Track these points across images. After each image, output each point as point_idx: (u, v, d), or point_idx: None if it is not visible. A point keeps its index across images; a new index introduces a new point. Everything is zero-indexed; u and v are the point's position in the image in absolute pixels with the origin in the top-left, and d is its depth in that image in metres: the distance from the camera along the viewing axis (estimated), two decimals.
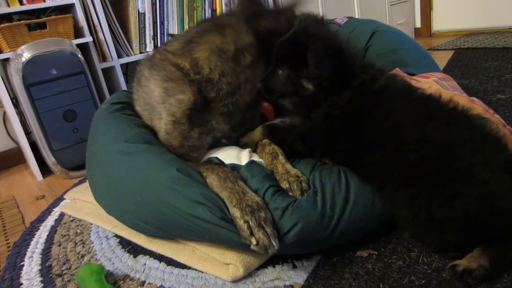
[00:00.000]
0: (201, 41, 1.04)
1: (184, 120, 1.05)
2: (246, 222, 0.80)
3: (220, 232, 0.85)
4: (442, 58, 2.87)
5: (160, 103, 1.07)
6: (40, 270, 1.05)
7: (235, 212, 0.83)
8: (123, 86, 2.16)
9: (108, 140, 1.09)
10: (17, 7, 1.82)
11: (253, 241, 0.79)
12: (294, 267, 0.89)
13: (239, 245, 0.85)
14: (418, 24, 4.06)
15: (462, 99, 1.09)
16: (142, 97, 1.15)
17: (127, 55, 2.21)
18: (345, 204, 0.86)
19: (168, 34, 2.31)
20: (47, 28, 1.85)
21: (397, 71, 1.25)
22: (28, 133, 1.96)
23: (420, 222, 0.79)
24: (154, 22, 2.28)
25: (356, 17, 3.44)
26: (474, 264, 0.74)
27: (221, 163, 1.00)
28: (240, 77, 1.03)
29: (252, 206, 0.83)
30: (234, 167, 0.98)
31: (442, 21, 3.93)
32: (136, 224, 1.02)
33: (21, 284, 1.00)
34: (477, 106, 1.07)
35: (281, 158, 1.01)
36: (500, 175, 0.74)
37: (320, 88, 0.92)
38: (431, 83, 1.19)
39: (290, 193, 0.90)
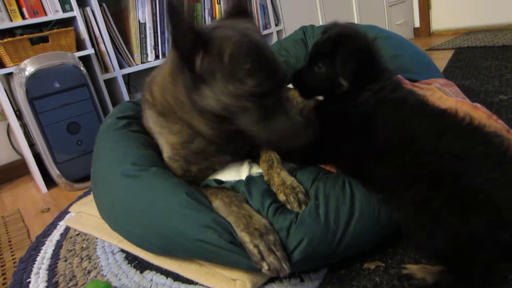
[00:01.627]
0: (154, 78, 1.04)
1: (178, 158, 1.06)
2: (256, 246, 0.80)
3: (229, 256, 0.84)
4: (442, 58, 2.87)
5: (159, 139, 1.10)
6: (47, 287, 1.05)
7: (244, 237, 0.83)
8: (126, 96, 2.17)
9: (114, 160, 1.10)
10: (19, 22, 1.83)
11: (265, 266, 0.79)
12: (302, 281, 0.89)
13: (249, 268, 0.85)
14: (417, 23, 4.06)
15: (465, 105, 1.09)
16: (150, 128, 1.17)
17: (129, 66, 2.22)
18: (350, 217, 0.86)
19: None
20: (49, 41, 1.86)
21: (399, 77, 1.25)
22: (32, 145, 1.97)
23: (420, 221, 0.77)
24: (155, 32, 2.29)
25: (355, 19, 3.44)
26: (420, 275, 0.79)
27: (223, 186, 0.99)
28: (179, 113, 0.96)
29: (261, 229, 0.82)
30: (234, 187, 0.98)
31: (441, 20, 3.93)
32: (142, 244, 1.03)
33: None
34: (480, 112, 1.07)
35: (276, 165, 1.00)
36: None
37: (353, 84, 0.95)
38: (433, 90, 1.19)
39: (288, 206, 0.89)
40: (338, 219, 0.85)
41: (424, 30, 4.02)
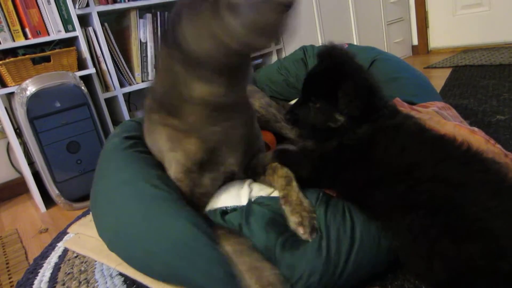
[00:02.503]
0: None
1: (195, 168, 1.04)
2: None
3: None
4: (440, 77, 2.90)
5: (169, 153, 1.07)
6: None
7: None
8: (126, 115, 2.19)
9: (123, 180, 1.08)
10: (22, 42, 1.86)
11: None
12: None
13: None
14: (415, 41, 4.13)
15: (463, 129, 1.10)
16: (154, 144, 1.16)
17: (130, 84, 2.24)
18: (351, 247, 0.85)
19: None
20: (51, 61, 1.88)
21: (397, 100, 1.27)
22: (31, 163, 1.97)
23: (418, 250, 0.77)
24: (156, 51, 2.32)
25: (354, 37, 3.49)
26: None
27: (234, 229, 0.96)
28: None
29: (275, 284, 0.80)
30: (240, 224, 0.96)
31: (438, 38, 4.00)
32: (143, 270, 1.02)
33: None
34: (478, 137, 1.07)
35: (295, 184, 0.98)
36: None
37: (351, 119, 0.93)
38: (431, 113, 1.20)
39: (300, 229, 0.87)
40: (340, 251, 0.84)
41: (422, 48, 4.08)
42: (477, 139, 1.07)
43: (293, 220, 0.89)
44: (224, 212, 1.02)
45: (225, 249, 0.90)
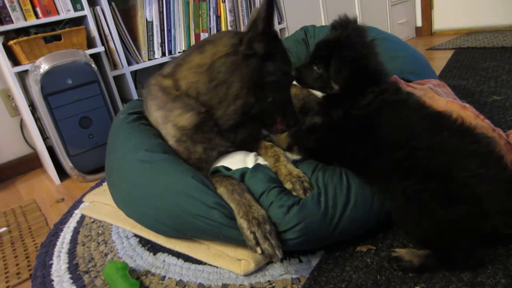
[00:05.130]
0: (184, 62, 1.13)
1: (185, 138, 1.14)
2: (253, 233, 0.88)
3: (231, 232, 0.94)
4: (442, 58, 2.93)
5: (163, 128, 1.19)
6: (68, 267, 1.15)
7: (242, 223, 0.91)
8: (133, 92, 2.26)
9: (129, 149, 1.18)
10: (33, 21, 1.91)
11: (259, 250, 0.87)
12: (300, 261, 0.98)
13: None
14: (419, 23, 4.11)
15: (454, 105, 1.17)
16: (152, 120, 1.26)
17: (137, 62, 2.30)
18: (346, 204, 0.95)
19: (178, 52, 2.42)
20: (62, 39, 1.95)
21: (395, 78, 1.33)
22: (45, 138, 2.06)
23: (411, 211, 0.86)
24: (162, 30, 2.38)
25: (358, 17, 3.49)
26: (407, 257, 0.87)
27: (229, 175, 1.07)
28: (218, 90, 1.08)
29: (258, 218, 0.91)
30: (243, 172, 1.06)
31: (442, 20, 3.98)
32: (154, 226, 1.12)
33: (52, 280, 1.10)
34: (469, 112, 1.15)
35: (283, 159, 1.09)
36: (499, 192, 0.81)
37: (344, 89, 1.01)
38: (426, 90, 1.27)
39: (294, 193, 0.98)
40: (336, 206, 0.94)
41: (426, 29, 4.07)
42: (468, 114, 1.15)
43: (287, 187, 1.01)
44: (227, 168, 1.12)
45: (219, 191, 1.02)
